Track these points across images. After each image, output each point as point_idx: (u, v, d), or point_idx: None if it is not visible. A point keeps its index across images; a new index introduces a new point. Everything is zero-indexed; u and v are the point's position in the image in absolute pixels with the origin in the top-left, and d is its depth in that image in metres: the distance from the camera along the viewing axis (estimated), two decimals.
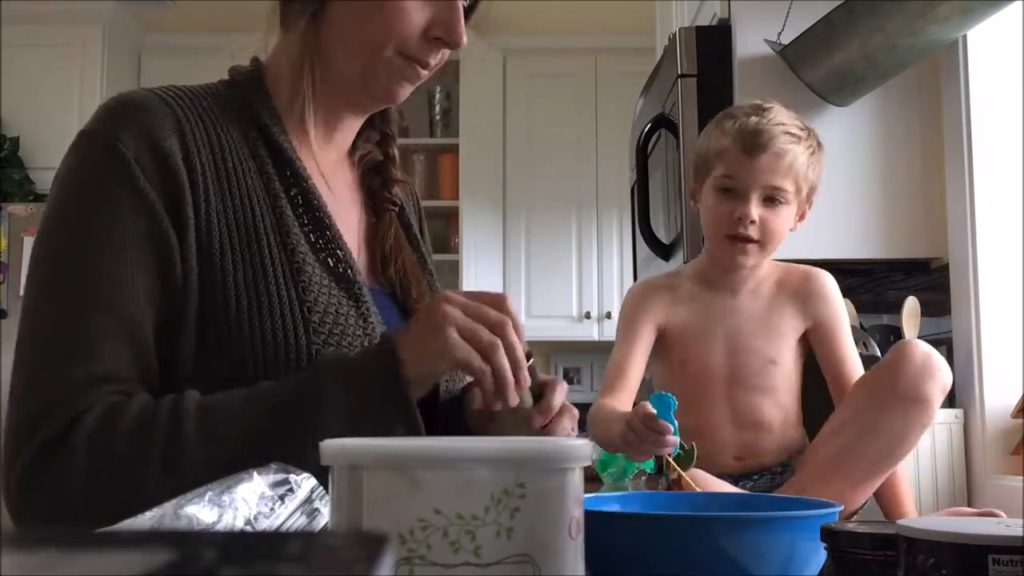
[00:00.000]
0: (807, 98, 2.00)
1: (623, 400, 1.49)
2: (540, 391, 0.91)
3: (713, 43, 2.14)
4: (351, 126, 1.08)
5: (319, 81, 0.99)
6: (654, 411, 1.24)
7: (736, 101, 2.10)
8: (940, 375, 1.38)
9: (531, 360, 0.88)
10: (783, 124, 1.45)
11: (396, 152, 1.13)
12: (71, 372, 0.84)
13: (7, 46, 3.99)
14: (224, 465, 0.79)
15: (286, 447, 0.81)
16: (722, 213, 1.46)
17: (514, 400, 0.86)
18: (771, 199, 1.45)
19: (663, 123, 2.27)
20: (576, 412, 0.95)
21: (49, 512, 0.82)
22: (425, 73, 1.00)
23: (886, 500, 1.47)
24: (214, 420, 0.83)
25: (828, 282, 1.57)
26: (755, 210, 1.44)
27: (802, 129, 1.48)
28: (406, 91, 1.02)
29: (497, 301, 0.86)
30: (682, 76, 2.14)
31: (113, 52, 4.15)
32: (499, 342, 0.84)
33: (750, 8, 2.12)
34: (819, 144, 1.50)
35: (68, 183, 0.90)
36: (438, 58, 1.00)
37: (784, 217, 1.48)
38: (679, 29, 2.21)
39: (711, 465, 1.45)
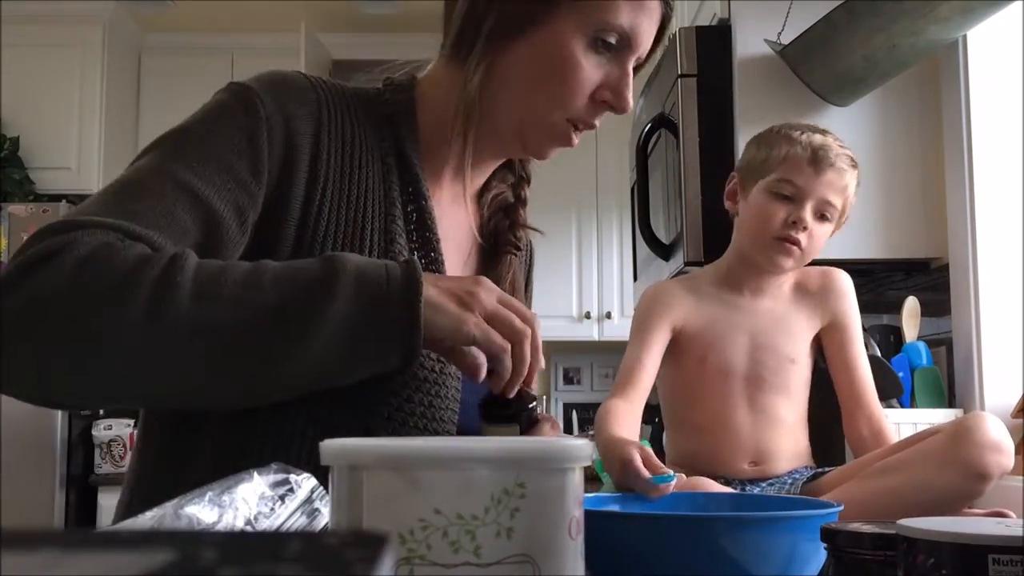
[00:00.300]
0: (807, 98, 2.00)
1: (634, 400, 1.49)
2: (531, 424, 0.91)
3: (713, 43, 2.14)
4: (488, 167, 1.08)
5: (473, 121, 0.99)
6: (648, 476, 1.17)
7: (736, 101, 2.10)
8: (1009, 458, 1.34)
9: (534, 403, 0.90)
10: (846, 149, 1.52)
11: (527, 196, 1.13)
12: (104, 214, 0.82)
13: (7, 46, 3.99)
14: (207, 331, 0.77)
15: (274, 336, 0.78)
16: (775, 214, 1.49)
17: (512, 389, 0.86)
18: (821, 214, 1.50)
19: (663, 123, 2.27)
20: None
21: (20, 314, 0.77)
22: (577, 139, 1.00)
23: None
24: (211, 283, 0.78)
25: (845, 280, 1.61)
26: (809, 217, 1.48)
27: (855, 160, 1.55)
28: (555, 151, 1.02)
29: (529, 314, 0.86)
30: (682, 76, 2.14)
31: (113, 52, 4.15)
32: (528, 333, 0.84)
33: (750, 8, 2.12)
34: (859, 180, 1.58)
35: (201, 110, 0.92)
36: (598, 120, 1.00)
37: (826, 233, 1.53)
38: (679, 29, 2.21)
39: (726, 469, 1.47)
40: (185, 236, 0.85)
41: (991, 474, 1.31)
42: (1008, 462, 1.33)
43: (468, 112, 0.98)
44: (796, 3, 2.02)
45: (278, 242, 0.91)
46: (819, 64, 1.94)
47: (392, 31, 4.39)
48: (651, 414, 1.65)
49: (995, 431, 1.32)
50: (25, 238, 0.83)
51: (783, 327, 1.55)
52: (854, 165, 1.52)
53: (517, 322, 0.84)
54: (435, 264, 0.98)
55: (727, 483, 1.44)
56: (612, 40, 0.95)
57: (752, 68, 2.10)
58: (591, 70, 0.95)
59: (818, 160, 1.48)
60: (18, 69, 4.03)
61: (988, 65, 1.94)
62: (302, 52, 4.00)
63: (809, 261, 1.54)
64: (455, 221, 1.07)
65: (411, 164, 0.98)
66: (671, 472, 1.16)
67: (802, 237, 1.48)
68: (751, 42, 2.09)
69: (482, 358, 0.84)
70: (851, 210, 1.58)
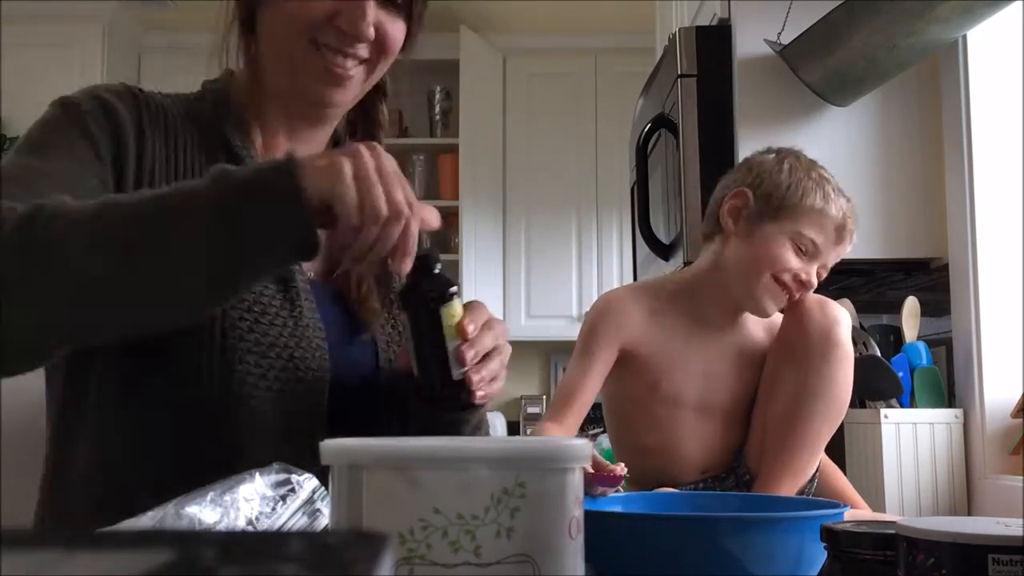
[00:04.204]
0: (807, 98, 2.00)
1: (569, 425, 1.45)
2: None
3: (713, 43, 2.14)
4: (311, 136, 1.10)
5: (264, 92, 1.06)
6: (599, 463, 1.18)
7: (736, 101, 2.10)
8: (841, 315, 1.45)
9: (453, 287, 0.87)
10: (855, 216, 1.50)
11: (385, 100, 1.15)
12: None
13: (7, 46, 3.99)
14: (111, 240, 0.78)
15: (153, 225, 0.79)
16: (788, 264, 1.43)
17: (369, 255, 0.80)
18: (818, 274, 1.48)
19: (663, 123, 2.27)
20: (505, 329, 0.92)
21: None
22: (350, 66, 1.02)
23: (828, 491, 1.47)
24: (83, 205, 0.81)
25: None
26: (814, 277, 1.47)
27: None
28: (338, 92, 1.03)
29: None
30: (682, 76, 2.14)
31: (113, 52, 4.15)
32: (405, 215, 0.79)
33: (750, 8, 2.12)
34: None
35: (29, 130, 1.01)
36: (357, 52, 1.02)
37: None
38: (679, 29, 2.21)
39: (676, 480, 1.46)
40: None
41: (842, 339, 1.43)
42: (846, 317, 1.45)
43: (249, 80, 1.06)
44: (796, 3, 2.02)
45: None
46: (819, 64, 1.94)
47: None
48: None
49: (818, 304, 1.45)
50: None
51: (741, 364, 1.51)
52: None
53: (399, 193, 0.79)
54: None
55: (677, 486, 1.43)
56: None
57: (752, 68, 2.10)
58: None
59: (842, 231, 1.46)
60: (18, 69, 4.03)
61: (988, 65, 1.94)
62: None
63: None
64: None
65: (240, 157, 1.02)
66: (620, 472, 1.15)
67: (799, 293, 1.45)
68: (751, 42, 2.09)
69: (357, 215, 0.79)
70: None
